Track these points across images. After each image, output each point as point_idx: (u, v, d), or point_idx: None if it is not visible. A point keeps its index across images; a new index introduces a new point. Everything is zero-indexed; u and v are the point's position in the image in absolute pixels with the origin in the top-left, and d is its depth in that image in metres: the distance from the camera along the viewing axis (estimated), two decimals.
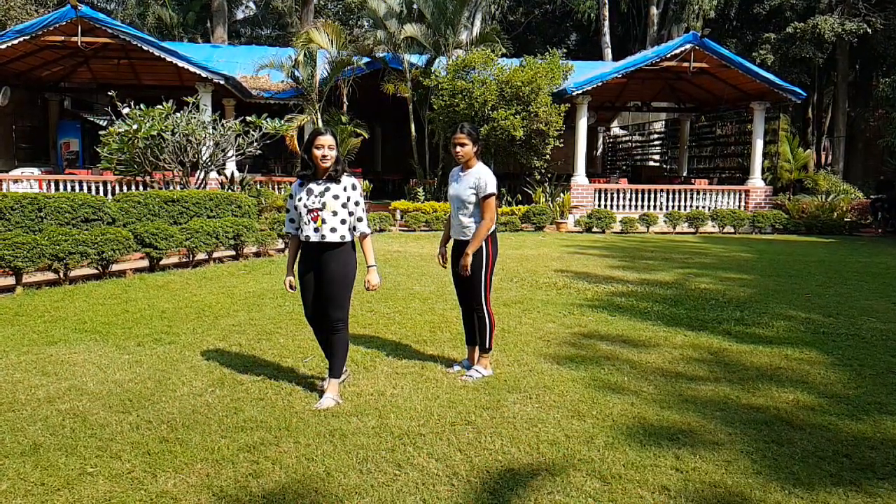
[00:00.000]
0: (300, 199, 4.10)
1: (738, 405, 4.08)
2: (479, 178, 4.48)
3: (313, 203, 4.04)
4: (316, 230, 4.04)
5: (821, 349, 5.36)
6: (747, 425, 3.76)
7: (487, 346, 4.62)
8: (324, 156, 4.02)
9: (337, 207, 4.04)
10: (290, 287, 4.26)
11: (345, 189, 4.07)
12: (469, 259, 4.45)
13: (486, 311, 4.60)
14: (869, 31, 22.14)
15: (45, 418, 3.74)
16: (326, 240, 4.04)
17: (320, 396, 4.08)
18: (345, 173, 4.13)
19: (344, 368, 4.24)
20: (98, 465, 3.19)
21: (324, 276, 4.09)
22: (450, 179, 4.74)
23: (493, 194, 4.45)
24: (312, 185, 4.10)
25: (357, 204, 4.11)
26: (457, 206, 4.59)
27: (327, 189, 4.06)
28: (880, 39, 22.76)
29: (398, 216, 16.23)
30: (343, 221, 4.06)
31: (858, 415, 3.95)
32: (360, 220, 4.12)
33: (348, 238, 4.11)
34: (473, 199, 4.49)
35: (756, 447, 3.47)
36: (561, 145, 16.88)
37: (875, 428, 3.76)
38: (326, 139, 4.04)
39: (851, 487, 3.07)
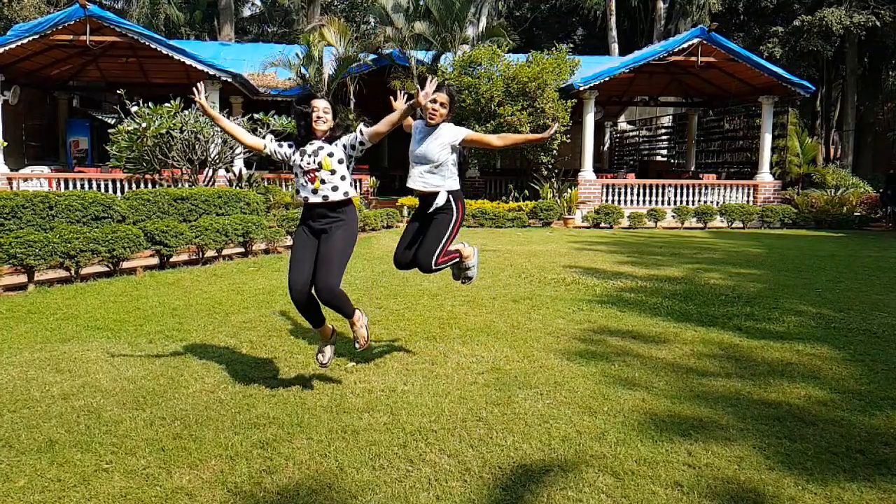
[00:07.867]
0: (294, 161, 3.98)
1: (749, 400, 4.07)
2: (452, 131, 4.26)
3: (308, 164, 3.93)
4: (315, 192, 3.94)
5: (832, 344, 5.34)
6: (759, 421, 3.75)
7: (462, 261, 4.56)
8: (318, 117, 3.91)
9: (334, 165, 3.93)
10: None
11: (339, 144, 3.95)
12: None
13: (435, 265, 4.33)
14: (878, 23, 21.96)
15: (60, 415, 3.77)
16: (330, 200, 3.96)
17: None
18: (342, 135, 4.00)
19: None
20: (113, 462, 3.22)
21: (329, 240, 3.98)
22: (414, 135, 4.42)
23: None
24: (306, 147, 3.99)
25: (356, 139, 3.98)
26: (422, 167, 4.31)
27: (321, 148, 3.95)
28: (889, 32, 22.58)
29: (405, 212, 16.23)
30: (343, 178, 3.96)
31: (871, 410, 3.93)
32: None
33: (352, 194, 4.02)
34: (445, 157, 4.26)
35: (768, 443, 3.46)
36: (568, 140, 16.84)
37: (888, 424, 3.74)
38: (320, 103, 3.94)
39: (865, 483, 3.06)
